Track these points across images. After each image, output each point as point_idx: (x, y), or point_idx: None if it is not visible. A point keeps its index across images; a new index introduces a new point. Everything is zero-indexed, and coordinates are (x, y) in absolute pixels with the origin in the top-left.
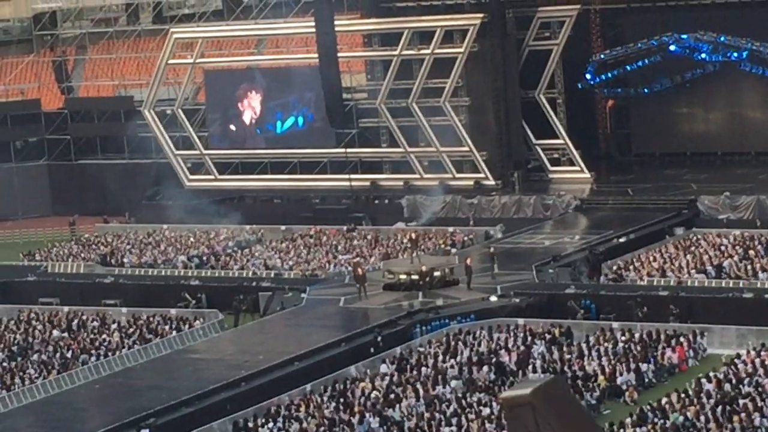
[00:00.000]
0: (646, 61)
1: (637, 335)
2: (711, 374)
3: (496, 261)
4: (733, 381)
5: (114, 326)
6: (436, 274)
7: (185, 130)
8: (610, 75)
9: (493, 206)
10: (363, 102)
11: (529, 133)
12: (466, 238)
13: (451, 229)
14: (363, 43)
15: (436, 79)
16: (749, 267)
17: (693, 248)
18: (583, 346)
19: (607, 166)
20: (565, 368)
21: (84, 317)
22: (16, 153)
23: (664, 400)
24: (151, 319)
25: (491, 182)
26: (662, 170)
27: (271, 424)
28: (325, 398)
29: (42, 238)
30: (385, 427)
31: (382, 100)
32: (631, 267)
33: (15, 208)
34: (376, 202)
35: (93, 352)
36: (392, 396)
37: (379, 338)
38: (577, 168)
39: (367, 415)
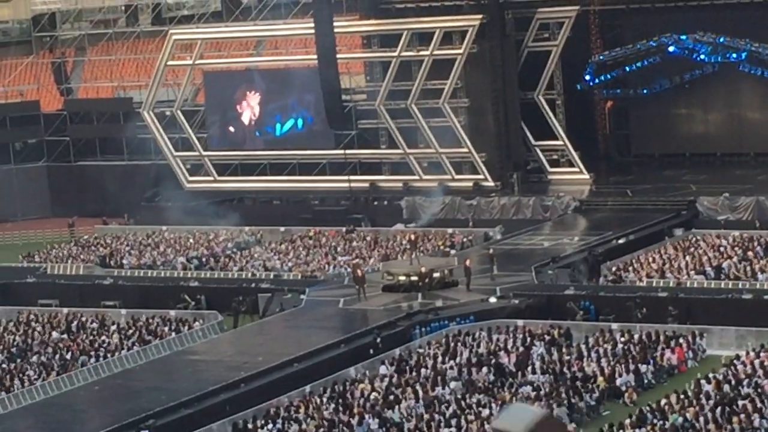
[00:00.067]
0: (645, 62)
1: (636, 336)
2: (710, 375)
3: (495, 262)
4: (733, 382)
5: (113, 328)
6: (436, 275)
7: (184, 131)
8: (609, 76)
9: (492, 207)
10: (362, 103)
11: (528, 134)
12: (465, 240)
13: (450, 230)
14: (362, 45)
15: (435, 80)
16: (748, 268)
17: (692, 249)
18: (583, 347)
19: (606, 167)
20: (565, 369)
21: (83, 319)
22: (16, 154)
23: (663, 401)
24: (150, 320)
25: (490, 183)
26: (661, 171)
27: (270, 426)
28: (325, 399)
29: (41, 239)
30: (384, 429)
31: (381, 101)
32: (630, 268)
33: (14, 210)
34: (375, 203)
35: (92, 353)
36: (392, 397)
37: (379, 339)
38: (576, 169)
39: (367, 416)
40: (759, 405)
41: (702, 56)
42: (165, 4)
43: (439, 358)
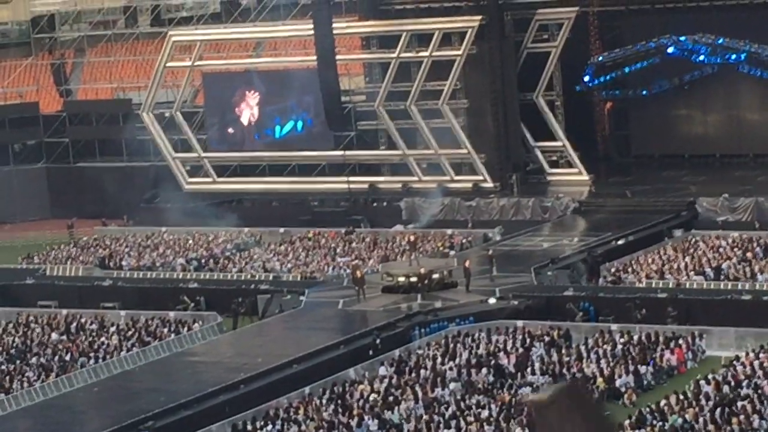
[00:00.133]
0: (645, 63)
1: (635, 337)
2: (710, 376)
3: (494, 263)
4: (732, 383)
5: (112, 329)
6: (435, 276)
7: (184, 132)
8: (608, 77)
9: (491, 208)
10: (361, 104)
11: (528, 135)
12: (464, 241)
13: (449, 231)
14: (361, 46)
15: (434, 81)
16: (748, 269)
17: (691, 250)
18: (582, 348)
19: (605, 168)
20: (564, 370)
21: (82, 320)
22: (15, 156)
23: (662, 402)
24: (149, 321)
25: (490, 184)
26: (661, 172)
27: (269, 427)
28: (324, 401)
29: (40, 241)
30: (384, 430)
31: (381, 102)
32: (629, 269)
33: (13, 211)
34: (375, 204)
35: (92, 354)
36: (391, 398)
37: (378, 341)
38: (576, 170)
39: (366, 417)
40: (758, 406)
41: (701, 57)
42: (164, 6)
43: (439, 359)
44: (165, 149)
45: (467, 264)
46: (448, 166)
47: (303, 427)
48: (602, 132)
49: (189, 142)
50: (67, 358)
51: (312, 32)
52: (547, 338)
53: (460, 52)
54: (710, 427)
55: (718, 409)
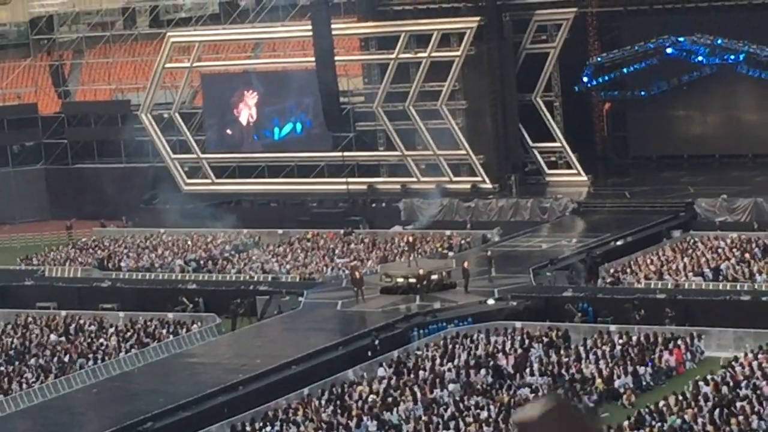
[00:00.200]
0: (643, 64)
1: (634, 338)
2: (708, 377)
3: (493, 264)
4: (731, 384)
5: (111, 330)
6: (434, 277)
7: (182, 133)
8: (606, 78)
9: (490, 209)
10: (360, 105)
11: (526, 136)
12: (463, 242)
13: (448, 232)
14: (360, 47)
15: (433, 82)
16: (746, 269)
17: (690, 251)
18: (581, 349)
19: (604, 169)
20: (563, 371)
21: (81, 321)
22: (13, 157)
23: (661, 403)
24: (148, 323)
25: (488, 185)
26: (659, 173)
27: (268, 428)
28: (323, 402)
29: (39, 242)
30: (382, 431)
31: (379, 103)
32: (628, 270)
33: (12, 212)
34: (373, 205)
35: (90, 356)
36: (390, 399)
37: (377, 342)
38: (574, 171)
39: (365, 418)
40: (757, 407)
41: (700, 58)
42: (163, 7)
43: (438, 360)
44: (163, 150)
45: (466, 265)
46: (447, 167)
47: (302, 428)
48: (601, 133)
49: (188, 143)
50: (66, 359)
51: (310, 33)
52: (545, 339)
53: (458, 53)
54: (709, 427)
55: (717, 410)
